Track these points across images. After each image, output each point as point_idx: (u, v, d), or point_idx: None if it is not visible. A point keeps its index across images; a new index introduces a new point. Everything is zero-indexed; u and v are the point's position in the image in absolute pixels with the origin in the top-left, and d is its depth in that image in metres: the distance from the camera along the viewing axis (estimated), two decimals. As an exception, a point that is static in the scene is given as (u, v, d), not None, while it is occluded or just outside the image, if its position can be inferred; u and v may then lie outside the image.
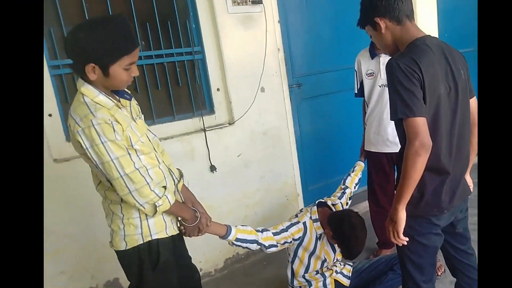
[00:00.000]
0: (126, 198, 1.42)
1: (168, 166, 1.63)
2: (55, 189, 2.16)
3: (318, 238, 2.11)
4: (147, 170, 1.45)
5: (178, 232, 1.63)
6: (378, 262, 2.30)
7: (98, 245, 2.26)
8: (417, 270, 1.59)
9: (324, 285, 2.19)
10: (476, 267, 1.69)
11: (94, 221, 2.20)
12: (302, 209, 2.28)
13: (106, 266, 2.32)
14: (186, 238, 1.72)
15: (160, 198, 1.45)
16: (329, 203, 2.25)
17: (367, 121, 2.60)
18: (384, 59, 2.38)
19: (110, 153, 1.34)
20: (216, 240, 1.87)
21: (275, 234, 1.99)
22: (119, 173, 1.37)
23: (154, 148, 1.57)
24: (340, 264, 2.28)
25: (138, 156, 1.44)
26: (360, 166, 2.53)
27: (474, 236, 1.49)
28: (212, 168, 2.73)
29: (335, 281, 2.22)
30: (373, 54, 2.47)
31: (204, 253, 2.72)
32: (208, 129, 2.69)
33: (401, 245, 1.52)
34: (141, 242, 1.51)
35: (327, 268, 2.21)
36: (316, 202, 2.23)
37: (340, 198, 2.33)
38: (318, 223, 2.10)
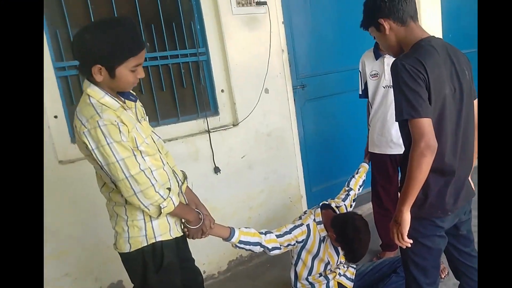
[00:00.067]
0: (131, 200, 1.42)
1: (172, 168, 1.64)
2: (60, 190, 2.17)
3: (322, 240, 2.10)
4: (152, 171, 1.45)
5: (182, 234, 1.63)
6: (382, 264, 2.29)
7: (102, 247, 2.27)
8: (421, 272, 1.58)
9: (328, 287, 2.18)
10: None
11: (98, 223, 2.20)
12: (306, 211, 2.27)
13: (110, 268, 2.32)
14: (189, 240, 1.72)
15: (165, 199, 1.45)
16: (333, 205, 2.24)
17: (370, 123, 2.59)
18: (389, 60, 2.38)
19: (116, 154, 1.35)
20: (219, 242, 1.87)
21: (278, 236, 1.98)
22: (125, 175, 1.37)
23: (158, 150, 1.57)
24: (344, 267, 2.26)
25: (143, 157, 1.44)
26: (365, 167, 2.51)
27: (474, 237, 1.49)
28: (216, 170, 2.72)
29: (339, 283, 2.21)
30: (378, 55, 2.46)
31: (207, 255, 2.72)
32: (212, 131, 2.69)
33: (405, 247, 1.51)
34: (145, 244, 1.51)
35: (331, 270, 2.20)
36: (320, 204, 2.22)
37: (344, 200, 2.32)
38: (322, 225, 2.09)
